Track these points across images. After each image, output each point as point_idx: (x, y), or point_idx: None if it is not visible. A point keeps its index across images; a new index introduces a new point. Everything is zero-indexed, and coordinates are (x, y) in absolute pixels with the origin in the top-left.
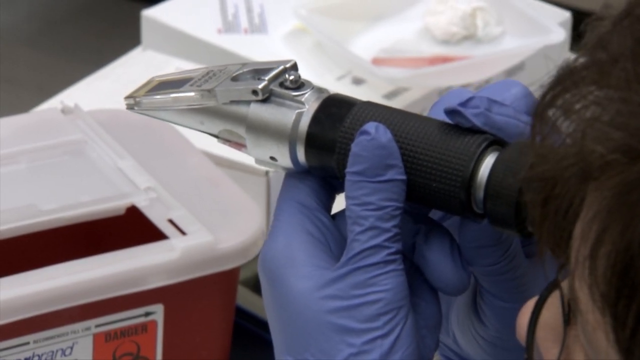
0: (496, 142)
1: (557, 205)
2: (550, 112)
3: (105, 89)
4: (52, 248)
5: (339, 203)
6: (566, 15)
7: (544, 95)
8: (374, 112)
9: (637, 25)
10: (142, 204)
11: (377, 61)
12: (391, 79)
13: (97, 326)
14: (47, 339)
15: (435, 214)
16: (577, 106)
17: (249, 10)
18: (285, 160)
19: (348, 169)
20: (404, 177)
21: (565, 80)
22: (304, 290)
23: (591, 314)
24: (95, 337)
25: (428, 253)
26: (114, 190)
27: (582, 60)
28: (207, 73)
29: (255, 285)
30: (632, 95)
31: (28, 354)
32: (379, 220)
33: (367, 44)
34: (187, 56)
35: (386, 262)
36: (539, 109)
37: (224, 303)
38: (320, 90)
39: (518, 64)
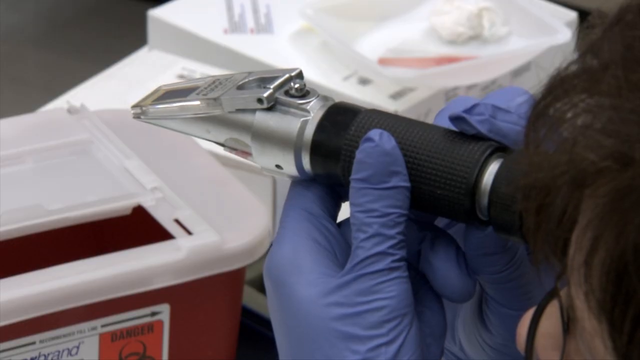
0: (500, 149)
1: (551, 213)
2: (542, 121)
3: (111, 88)
4: (58, 248)
5: (345, 212)
6: (572, 15)
7: (536, 105)
8: (378, 120)
9: (628, 31)
10: (148, 203)
11: (383, 61)
12: (397, 79)
13: (103, 326)
14: (53, 338)
15: (440, 222)
16: (569, 114)
17: (255, 10)
18: (290, 168)
19: (352, 176)
20: (408, 184)
21: (556, 89)
22: (309, 297)
23: (588, 321)
24: (101, 337)
25: (434, 260)
26: (120, 190)
27: (573, 67)
28: (213, 82)
29: (261, 285)
30: (623, 102)
31: (34, 354)
32: (383, 227)
33: (373, 44)
34: (193, 56)
35: (390, 269)
36: (532, 118)
37: (230, 303)
38: (325, 98)
39: (524, 65)
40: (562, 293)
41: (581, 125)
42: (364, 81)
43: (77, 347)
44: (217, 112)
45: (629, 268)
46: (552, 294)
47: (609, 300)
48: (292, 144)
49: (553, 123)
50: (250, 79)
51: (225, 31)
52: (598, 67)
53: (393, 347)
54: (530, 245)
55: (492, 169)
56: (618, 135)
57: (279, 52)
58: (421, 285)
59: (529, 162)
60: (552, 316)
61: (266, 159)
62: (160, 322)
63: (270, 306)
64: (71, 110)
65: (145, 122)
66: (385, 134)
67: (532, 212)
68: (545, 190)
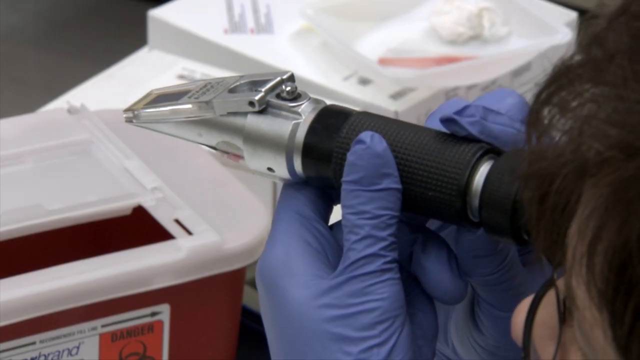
0: (492, 150)
1: (554, 202)
2: (547, 111)
3: (111, 89)
4: (59, 248)
5: (337, 214)
6: (572, 15)
7: (539, 93)
8: (370, 122)
9: (633, 22)
10: (148, 204)
11: (383, 61)
12: (398, 79)
13: (103, 326)
14: (53, 338)
15: (432, 224)
16: (574, 104)
17: (256, 10)
18: (282, 171)
19: (344, 178)
20: (399, 185)
21: (561, 78)
22: (301, 298)
23: (588, 311)
24: (102, 337)
25: (425, 262)
26: (121, 190)
27: (577, 58)
28: (205, 85)
29: None
30: (629, 93)
31: (34, 354)
32: (375, 229)
33: (373, 44)
34: (194, 56)
35: (382, 271)
36: (535, 107)
37: (230, 303)
38: (316, 101)
39: (524, 65)
40: (559, 283)
41: (586, 114)
42: (364, 81)
43: (78, 347)
44: (208, 115)
45: (632, 258)
46: (550, 284)
47: (611, 290)
48: (283, 147)
49: (557, 112)
50: (242, 82)
51: (226, 31)
52: (603, 57)
53: (385, 349)
54: (532, 235)
55: (483, 170)
56: (624, 125)
57: (279, 52)
58: (413, 288)
59: (533, 150)
60: (548, 306)
61: (258, 162)
62: (160, 322)
63: (262, 308)
64: (71, 111)
65: (138, 125)
66: (377, 136)
67: (535, 201)
68: (550, 179)
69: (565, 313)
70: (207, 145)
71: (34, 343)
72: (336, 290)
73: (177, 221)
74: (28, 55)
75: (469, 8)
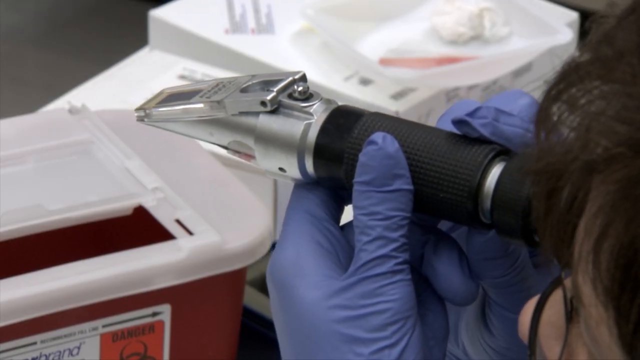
0: (503, 152)
1: (562, 199)
2: (556, 107)
3: (112, 89)
4: (59, 248)
5: (348, 215)
6: (574, 15)
7: (549, 91)
8: (381, 123)
9: None
10: (149, 204)
11: (384, 61)
12: (398, 79)
13: (104, 326)
14: (54, 339)
15: (443, 225)
16: (582, 101)
17: (256, 10)
18: (294, 171)
19: (356, 179)
20: (411, 187)
21: (570, 75)
22: (312, 299)
23: (594, 308)
24: (103, 337)
25: (437, 263)
26: (121, 190)
27: (587, 55)
28: (217, 85)
29: (262, 286)
30: (638, 90)
31: (35, 354)
32: (387, 230)
33: (374, 44)
34: (194, 56)
35: (394, 272)
36: (544, 104)
37: (231, 303)
38: (328, 101)
39: (525, 65)
40: (566, 282)
41: (595, 111)
42: (364, 81)
43: (78, 348)
44: (220, 114)
45: (638, 256)
46: (557, 283)
47: (617, 287)
48: (295, 147)
49: (566, 109)
50: (254, 82)
51: (226, 31)
52: (612, 55)
53: (396, 350)
54: (539, 232)
55: (495, 172)
56: (632, 122)
57: (279, 52)
58: (424, 289)
59: (541, 147)
60: (555, 305)
61: (269, 161)
62: (161, 323)
63: (273, 309)
64: (72, 111)
65: (149, 124)
66: (389, 136)
67: (543, 197)
68: (557, 175)
69: (572, 312)
70: (218, 145)
71: (34, 343)
72: (347, 291)
73: (178, 221)
74: (28, 55)
75: (470, 8)
